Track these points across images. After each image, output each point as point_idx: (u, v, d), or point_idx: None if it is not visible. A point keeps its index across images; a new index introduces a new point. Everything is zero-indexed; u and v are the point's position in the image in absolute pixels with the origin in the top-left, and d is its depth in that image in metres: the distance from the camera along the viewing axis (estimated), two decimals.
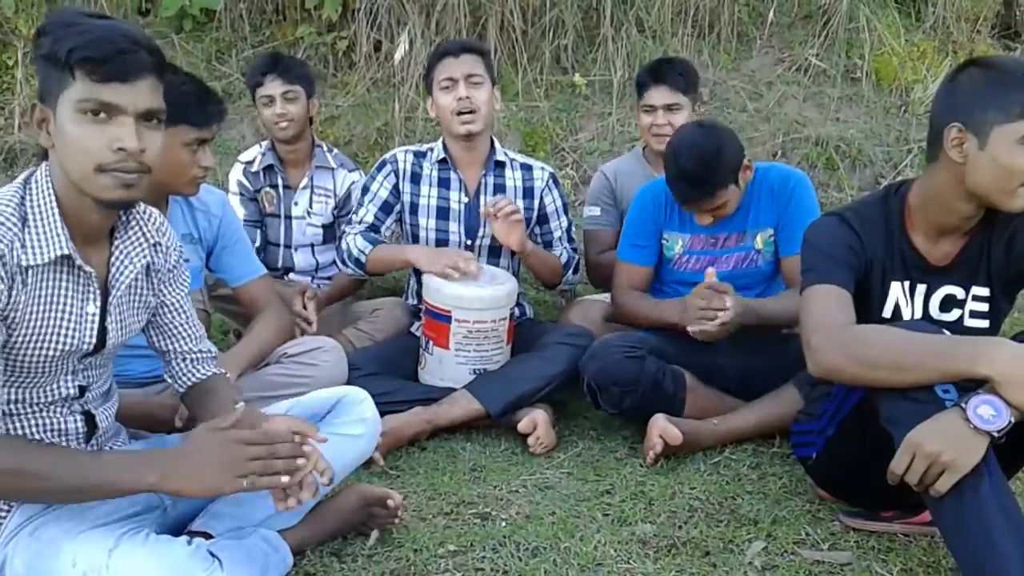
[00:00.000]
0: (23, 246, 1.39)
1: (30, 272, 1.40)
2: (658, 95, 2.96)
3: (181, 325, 1.73)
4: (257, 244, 3.02)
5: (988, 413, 1.46)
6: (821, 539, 1.87)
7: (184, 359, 1.75)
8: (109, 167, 1.38)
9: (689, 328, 2.33)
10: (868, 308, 1.82)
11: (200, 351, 1.76)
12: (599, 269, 3.00)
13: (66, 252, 1.42)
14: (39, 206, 1.42)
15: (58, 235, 1.42)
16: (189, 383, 1.75)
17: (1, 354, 1.40)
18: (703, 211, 2.46)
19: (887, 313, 1.85)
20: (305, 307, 2.70)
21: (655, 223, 2.60)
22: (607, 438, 2.45)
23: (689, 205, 2.47)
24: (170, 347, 1.73)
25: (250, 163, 3.13)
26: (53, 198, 1.42)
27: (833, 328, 1.68)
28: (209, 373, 1.77)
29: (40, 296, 1.43)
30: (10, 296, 1.38)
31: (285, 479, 1.42)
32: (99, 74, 1.35)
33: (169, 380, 1.77)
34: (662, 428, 2.22)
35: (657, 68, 3.03)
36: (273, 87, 3.02)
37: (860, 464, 1.81)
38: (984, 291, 1.83)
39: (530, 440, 2.35)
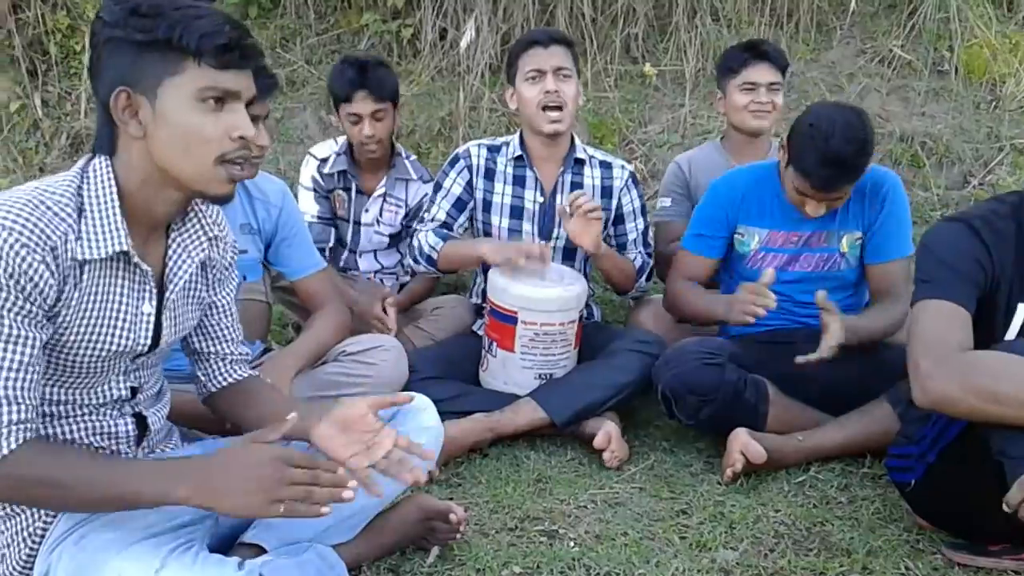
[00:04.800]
0: (78, 238, 1.30)
1: (86, 268, 1.32)
2: (761, 72, 2.87)
3: (227, 328, 1.65)
4: (330, 244, 2.90)
5: None
6: (923, 574, 1.71)
7: (223, 359, 1.66)
8: (229, 156, 1.32)
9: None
10: (990, 331, 1.64)
11: (240, 353, 1.68)
12: (666, 261, 2.86)
13: (124, 248, 1.33)
14: (98, 198, 1.32)
15: (117, 230, 1.32)
16: (223, 384, 1.67)
17: (44, 352, 1.31)
18: (828, 200, 2.25)
19: (1011, 338, 1.66)
20: (385, 311, 2.63)
21: (727, 216, 2.44)
22: (681, 450, 2.31)
23: (825, 192, 2.22)
24: (210, 348, 1.64)
25: (324, 161, 2.94)
26: (115, 190, 1.33)
27: (946, 352, 1.52)
28: (244, 375, 1.69)
29: (95, 294, 1.34)
30: (61, 292, 1.29)
31: (326, 510, 1.27)
32: (221, 61, 1.28)
33: (202, 379, 1.67)
34: (744, 444, 2.06)
35: (757, 46, 2.94)
36: (363, 106, 2.74)
37: (965, 494, 1.67)
38: None
39: (605, 456, 2.23)
